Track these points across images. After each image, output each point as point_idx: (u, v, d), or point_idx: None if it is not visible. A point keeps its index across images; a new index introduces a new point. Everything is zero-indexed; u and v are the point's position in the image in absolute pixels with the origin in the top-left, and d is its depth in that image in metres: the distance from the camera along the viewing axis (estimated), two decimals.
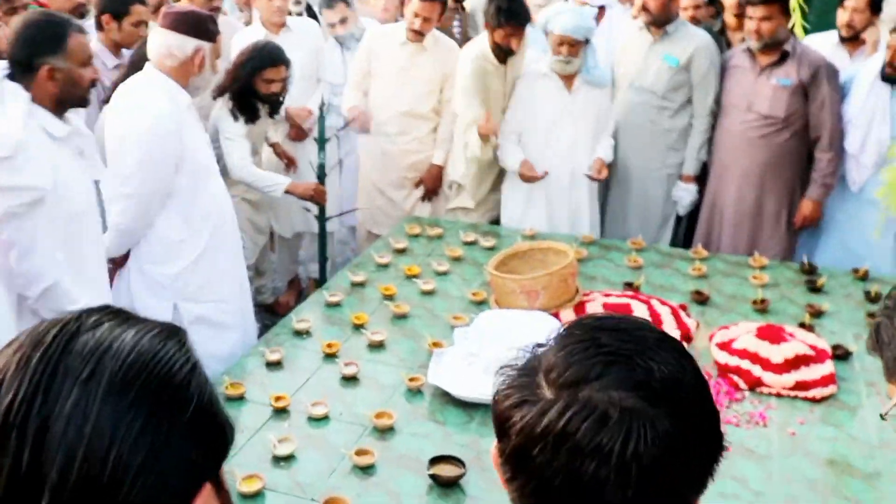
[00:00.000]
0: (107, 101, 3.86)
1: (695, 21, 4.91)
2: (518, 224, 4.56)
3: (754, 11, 4.23)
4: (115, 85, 3.87)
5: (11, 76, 2.62)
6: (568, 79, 4.45)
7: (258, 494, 2.30)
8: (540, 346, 1.11)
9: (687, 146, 4.68)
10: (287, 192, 4.27)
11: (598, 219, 4.79)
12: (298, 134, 4.94)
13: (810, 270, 3.86)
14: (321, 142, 4.44)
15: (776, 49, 4.28)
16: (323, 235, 4.68)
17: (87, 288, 2.78)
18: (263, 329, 3.74)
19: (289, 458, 2.46)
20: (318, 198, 4.38)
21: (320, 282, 4.71)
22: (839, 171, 4.35)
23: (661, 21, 4.56)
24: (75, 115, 2.84)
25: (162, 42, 3.13)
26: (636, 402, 0.95)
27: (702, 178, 4.74)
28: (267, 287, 5.20)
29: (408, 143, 4.86)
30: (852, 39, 4.66)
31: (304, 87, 4.95)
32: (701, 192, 4.73)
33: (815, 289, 3.66)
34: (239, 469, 2.38)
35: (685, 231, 4.95)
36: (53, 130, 2.65)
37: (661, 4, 4.50)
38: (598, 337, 1.03)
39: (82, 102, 2.78)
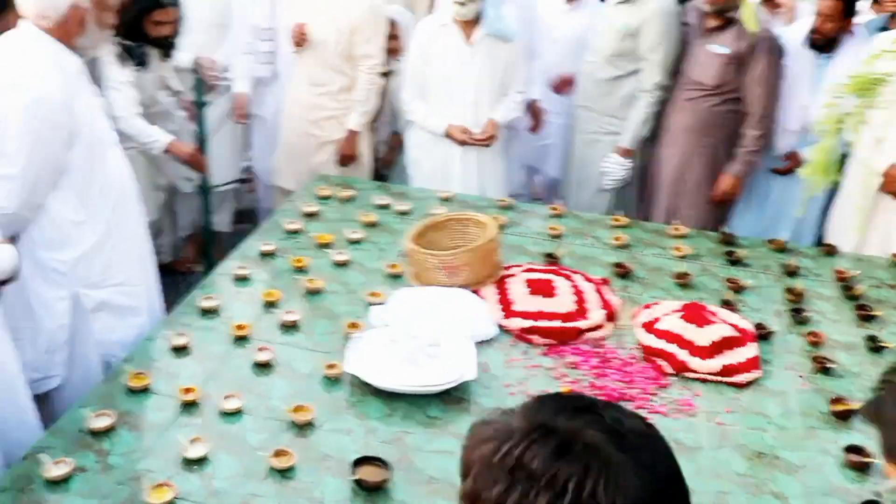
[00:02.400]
0: None
1: None
2: (426, 183, 4.46)
3: None
4: None
5: None
6: (467, 30, 4.34)
7: None
8: (507, 412, 1.03)
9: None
10: (166, 151, 4.06)
11: (503, 178, 4.70)
12: (212, 86, 4.68)
13: (729, 240, 3.88)
14: (199, 105, 4.21)
15: (722, 14, 4.20)
16: (206, 207, 4.48)
17: None
18: (164, 289, 3.55)
19: (201, 461, 2.32)
20: (195, 163, 4.18)
21: (206, 255, 4.53)
22: (767, 149, 4.35)
23: None
24: None
25: (31, 0, 2.81)
26: (602, 441, 0.92)
27: None
28: (166, 246, 4.97)
29: (315, 97, 4.67)
30: (768, 1, 4.65)
31: (213, 34, 4.69)
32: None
33: (734, 261, 3.69)
34: (147, 475, 2.25)
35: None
36: None
37: None
38: (568, 401, 1.00)
39: None
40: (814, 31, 4.07)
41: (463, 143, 4.41)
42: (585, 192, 4.80)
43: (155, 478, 2.24)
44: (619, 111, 4.60)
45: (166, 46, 4.23)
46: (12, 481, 2.25)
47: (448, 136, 4.42)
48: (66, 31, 2.84)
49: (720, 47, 4.20)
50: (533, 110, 5.03)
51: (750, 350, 3.00)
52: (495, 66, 4.40)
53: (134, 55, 4.09)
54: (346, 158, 4.75)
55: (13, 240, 2.88)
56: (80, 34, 2.87)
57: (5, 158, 2.81)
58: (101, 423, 2.41)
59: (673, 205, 4.48)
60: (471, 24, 4.32)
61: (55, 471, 2.24)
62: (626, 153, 4.61)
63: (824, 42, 4.20)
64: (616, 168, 4.62)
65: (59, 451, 2.33)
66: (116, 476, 2.27)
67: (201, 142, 4.23)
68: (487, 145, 4.47)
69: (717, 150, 4.40)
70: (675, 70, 4.49)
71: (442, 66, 4.40)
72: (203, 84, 4.22)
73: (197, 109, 4.21)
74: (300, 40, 4.57)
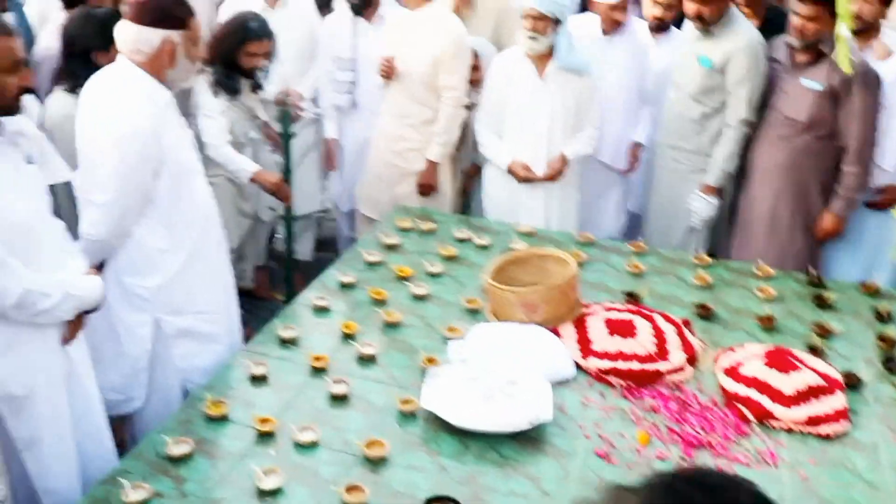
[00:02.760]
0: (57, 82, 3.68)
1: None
2: (502, 216, 4.46)
3: (801, 9, 3.99)
4: (58, 73, 3.67)
5: None
6: (540, 63, 4.33)
7: None
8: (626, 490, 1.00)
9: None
10: (252, 180, 4.13)
11: (574, 213, 4.66)
12: (294, 116, 4.76)
13: (818, 282, 3.77)
14: (285, 138, 4.27)
15: (812, 48, 4.08)
16: (289, 236, 4.53)
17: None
18: (244, 314, 3.60)
19: (275, 493, 2.34)
20: (280, 193, 4.24)
21: (288, 283, 4.58)
22: (865, 186, 4.20)
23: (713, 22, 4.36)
24: (17, 119, 2.60)
25: (128, 36, 2.90)
26: None
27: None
28: (246, 272, 5.05)
29: (403, 129, 4.72)
30: (863, 32, 4.48)
31: (298, 65, 4.78)
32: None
33: (822, 304, 3.57)
34: None
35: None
36: None
37: (716, 11, 4.29)
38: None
39: (10, 111, 2.52)
40: None
41: (525, 179, 4.40)
42: (673, 231, 4.71)
43: None
44: (707, 149, 4.51)
45: (258, 77, 4.33)
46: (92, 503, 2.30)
47: (510, 171, 4.42)
48: (158, 65, 2.92)
49: (812, 82, 4.07)
50: (633, 153, 4.96)
51: (837, 400, 2.89)
52: (567, 99, 4.37)
53: (226, 85, 4.19)
54: (426, 188, 4.77)
55: (100, 268, 2.96)
56: (172, 67, 2.95)
57: (97, 187, 2.91)
58: (179, 449, 2.45)
59: (765, 245, 4.35)
60: (544, 58, 4.31)
61: (133, 496, 2.28)
62: (712, 191, 4.51)
63: None
64: (703, 206, 4.51)
65: (138, 475, 2.38)
66: (192, 503, 2.30)
67: (286, 172, 4.29)
68: (554, 179, 4.44)
69: (810, 188, 4.25)
70: (763, 106, 4.39)
71: (515, 100, 4.40)
72: (288, 116, 4.29)
73: (283, 141, 4.28)
74: (388, 72, 4.62)
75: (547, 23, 4.17)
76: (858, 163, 4.10)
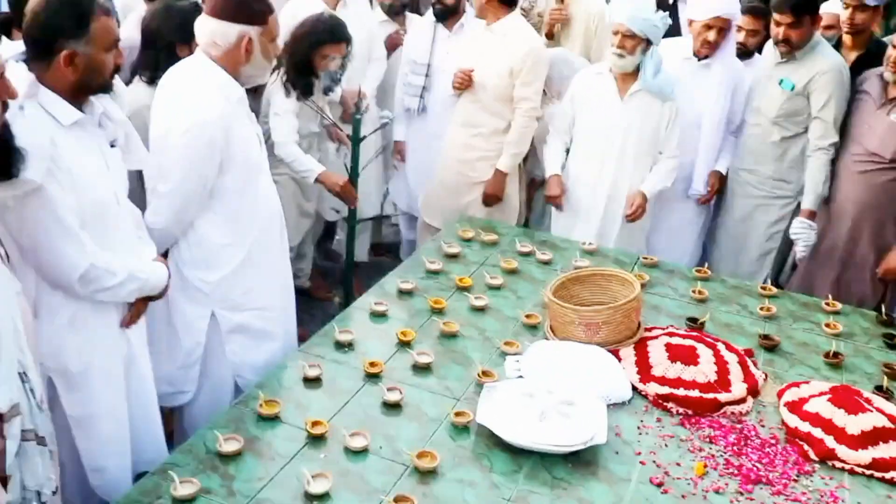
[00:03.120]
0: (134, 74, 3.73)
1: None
2: (566, 233, 4.41)
3: None
4: (137, 64, 3.71)
5: (27, 60, 2.44)
6: (623, 83, 4.27)
7: None
8: None
9: (805, 178, 4.37)
10: (318, 181, 4.13)
11: (643, 238, 4.60)
12: (348, 115, 4.76)
13: (889, 322, 3.65)
14: (355, 142, 4.27)
15: None
16: (351, 239, 4.53)
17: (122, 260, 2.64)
18: (300, 314, 3.60)
19: (322, 498, 2.31)
20: (344, 195, 4.22)
21: (346, 286, 4.58)
22: None
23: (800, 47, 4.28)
24: (105, 101, 2.63)
25: (205, 29, 2.91)
26: None
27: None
28: (304, 271, 5.06)
29: (471, 139, 4.69)
30: None
31: (356, 66, 4.79)
32: None
33: (893, 345, 3.46)
34: None
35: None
36: (62, 118, 2.43)
37: (804, 35, 4.21)
38: None
39: (104, 89, 2.56)
40: None
41: (551, 199, 4.51)
42: (742, 258, 4.61)
43: None
44: (786, 174, 4.42)
45: (333, 80, 4.34)
46: (140, 494, 2.30)
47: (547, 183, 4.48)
48: (234, 60, 2.92)
49: None
50: (714, 182, 4.73)
51: None
52: (645, 123, 4.31)
53: (299, 86, 4.20)
54: (491, 198, 4.74)
55: (164, 257, 2.98)
56: (247, 63, 2.95)
57: (162, 176, 2.93)
58: (229, 447, 2.44)
59: (834, 281, 4.23)
60: (628, 77, 4.26)
61: (182, 490, 2.27)
62: (811, 215, 4.37)
63: None
64: (806, 232, 4.36)
65: (187, 470, 2.37)
66: (239, 502, 2.28)
67: (353, 174, 4.29)
68: (634, 220, 4.37)
69: (887, 228, 4.13)
70: (841, 136, 4.28)
71: (592, 116, 4.36)
72: (359, 119, 4.29)
73: (353, 144, 4.28)
74: (464, 84, 4.61)
75: (637, 42, 4.12)
76: None
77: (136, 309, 2.73)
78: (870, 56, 4.40)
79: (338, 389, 2.81)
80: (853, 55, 4.49)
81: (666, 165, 4.38)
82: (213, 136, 2.87)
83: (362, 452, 2.51)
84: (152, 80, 3.47)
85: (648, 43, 4.16)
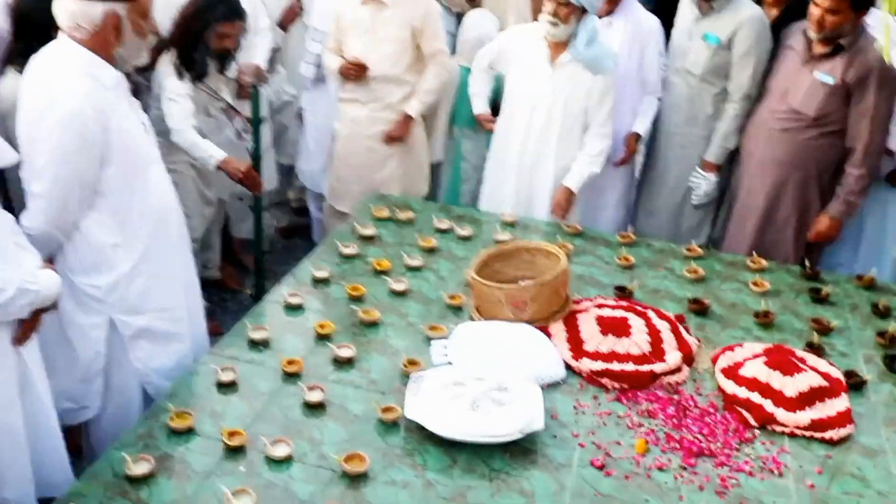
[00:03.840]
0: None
1: None
2: (491, 202, 4.30)
3: (822, 1, 3.78)
4: (9, 54, 3.44)
5: None
6: (555, 51, 4.08)
7: None
8: None
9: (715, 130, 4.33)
10: (219, 168, 3.89)
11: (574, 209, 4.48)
12: (246, 93, 4.50)
13: (813, 275, 3.62)
14: (255, 122, 4.04)
15: (831, 41, 3.87)
16: (259, 226, 4.32)
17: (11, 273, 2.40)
18: (210, 307, 3.39)
19: None
20: (247, 181, 3.99)
21: (258, 273, 4.39)
22: (869, 190, 4.02)
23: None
24: None
25: (65, 11, 2.62)
26: None
27: None
28: (213, 261, 4.82)
29: (378, 111, 4.50)
30: None
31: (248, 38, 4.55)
32: None
33: (819, 299, 3.43)
34: None
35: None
36: None
37: None
38: None
39: None
40: None
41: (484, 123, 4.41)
42: (683, 221, 4.57)
43: None
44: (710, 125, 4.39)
45: (226, 59, 4.10)
46: None
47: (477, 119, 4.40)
48: (103, 42, 2.66)
49: (826, 76, 3.87)
50: (631, 144, 4.63)
51: (841, 402, 2.76)
52: (574, 95, 4.09)
53: (193, 67, 3.95)
54: (395, 139, 4.53)
55: (51, 262, 2.74)
56: (118, 44, 2.70)
57: (35, 175, 2.66)
58: (139, 469, 2.25)
59: (759, 239, 4.18)
60: (561, 46, 4.06)
61: None
62: (712, 168, 4.36)
63: None
64: (703, 183, 4.35)
65: (93, 499, 2.18)
66: None
67: (255, 158, 4.07)
68: (561, 218, 4.21)
69: (810, 185, 4.06)
70: (761, 91, 4.22)
71: (521, 80, 4.19)
72: (258, 99, 4.07)
73: (253, 126, 4.06)
74: (356, 75, 4.44)
75: (571, 10, 3.91)
76: (863, 165, 3.91)
77: (28, 324, 2.49)
78: (791, 13, 4.33)
79: (255, 393, 2.63)
80: (774, 12, 4.42)
81: (593, 148, 4.17)
82: (87, 127, 2.61)
83: (286, 461, 2.34)
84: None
85: (584, 11, 3.97)
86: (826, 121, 3.90)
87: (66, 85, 2.61)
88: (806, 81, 3.92)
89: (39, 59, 2.72)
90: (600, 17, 4.33)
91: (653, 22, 4.54)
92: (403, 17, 4.34)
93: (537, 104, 4.13)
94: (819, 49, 3.90)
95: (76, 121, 2.60)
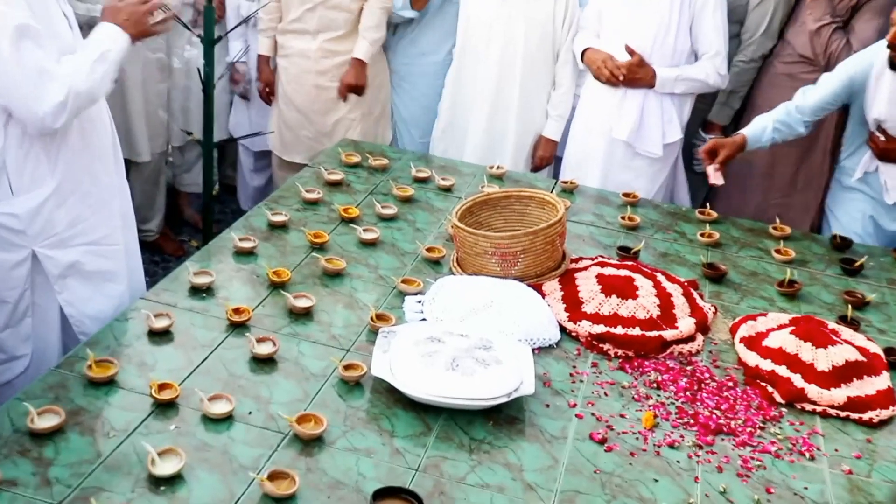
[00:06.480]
0: None
1: None
2: (443, 153, 4.19)
3: None
4: None
5: None
6: None
7: None
8: None
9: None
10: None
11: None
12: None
13: (844, 245, 3.43)
14: (208, 42, 3.81)
15: None
16: (209, 164, 4.08)
17: None
18: (153, 268, 3.17)
19: (172, 481, 1.91)
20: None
21: (204, 224, 4.17)
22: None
23: None
24: None
25: None
26: None
27: None
28: (154, 220, 4.59)
29: (326, 43, 4.27)
30: None
31: None
32: None
33: (851, 271, 3.24)
34: (99, 496, 1.84)
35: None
36: None
37: None
38: None
39: None
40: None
41: None
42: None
43: (109, 499, 1.84)
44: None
45: None
46: None
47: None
48: None
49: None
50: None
51: (882, 380, 2.58)
52: (533, 20, 3.99)
53: None
54: (352, 88, 4.35)
55: None
56: None
57: None
58: (44, 422, 2.00)
59: (762, 201, 4.04)
60: None
61: None
62: (714, 129, 4.24)
63: None
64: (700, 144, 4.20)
65: None
66: (57, 494, 1.85)
67: (207, 85, 3.87)
68: (538, 169, 4.14)
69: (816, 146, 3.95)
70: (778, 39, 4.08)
71: (475, 10, 4.08)
72: (212, 17, 3.84)
73: (206, 47, 3.84)
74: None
75: None
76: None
77: None
78: None
79: (193, 344, 2.40)
80: None
81: (562, 96, 4.11)
82: (9, 4, 2.35)
83: (225, 420, 2.11)
84: None
85: None
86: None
87: None
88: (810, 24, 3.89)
89: None
90: None
91: None
92: None
93: (492, 34, 3.99)
94: None
95: None
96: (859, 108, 3.53)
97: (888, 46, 3.32)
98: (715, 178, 3.59)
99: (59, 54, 2.51)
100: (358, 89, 4.36)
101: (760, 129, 3.59)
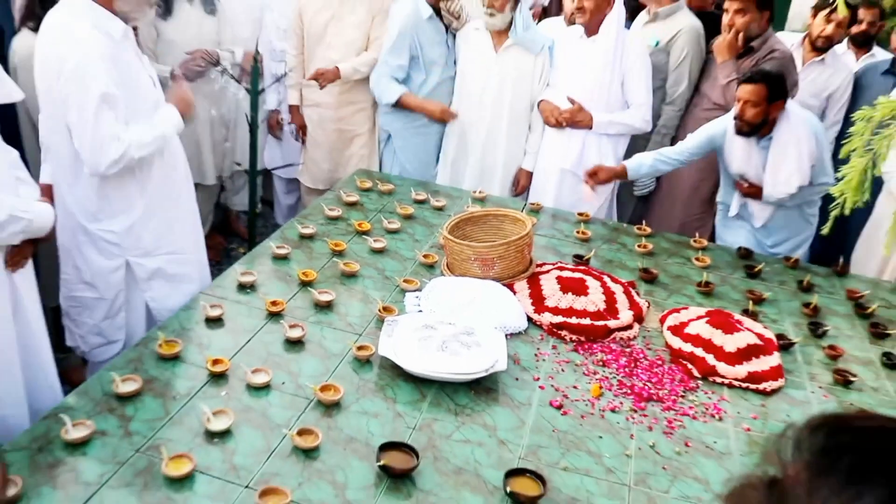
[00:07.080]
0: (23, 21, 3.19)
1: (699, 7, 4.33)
2: (449, 182, 4.12)
3: (730, 5, 3.68)
4: (24, 12, 3.19)
5: None
6: (497, 38, 3.92)
7: (187, 478, 1.78)
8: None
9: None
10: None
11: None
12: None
13: (747, 255, 3.46)
14: (254, 94, 3.81)
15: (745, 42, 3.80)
16: (253, 187, 4.08)
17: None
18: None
19: (223, 435, 1.93)
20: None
21: (250, 233, 4.16)
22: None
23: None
24: None
25: None
26: None
27: None
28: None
29: (342, 95, 4.27)
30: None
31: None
32: None
33: (752, 275, 3.27)
34: (167, 445, 1.86)
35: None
36: None
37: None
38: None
39: None
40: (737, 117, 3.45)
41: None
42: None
43: (175, 448, 1.86)
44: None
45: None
46: (30, 441, 1.87)
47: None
48: None
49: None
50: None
51: (774, 359, 2.60)
52: (520, 75, 3.94)
53: None
54: (323, 77, 4.13)
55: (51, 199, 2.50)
56: None
57: (77, 128, 2.42)
58: (126, 387, 2.03)
59: (685, 219, 4.06)
60: (502, 34, 3.90)
61: (74, 433, 1.86)
62: None
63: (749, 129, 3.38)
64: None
65: (82, 413, 1.96)
66: (136, 443, 1.88)
67: (252, 126, 3.86)
68: (519, 193, 4.12)
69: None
70: (695, 90, 4.11)
71: (472, 68, 4.01)
72: (257, 71, 3.82)
73: (252, 96, 3.83)
74: (329, 79, 4.15)
75: (504, 0, 3.76)
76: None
77: (22, 251, 2.26)
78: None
79: (239, 328, 2.41)
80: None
81: (535, 132, 4.07)
82: (98, 69, 2.36)
83: (264, 388, 2.13)
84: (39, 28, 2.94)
85: (517, 0, 3.82)
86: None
87: (78, 37, 2.37)
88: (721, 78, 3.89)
89: (51, 17, 2.47)
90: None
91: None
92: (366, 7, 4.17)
93: (487, 86, 3.97)
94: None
95: (90, 69, 2.35)
96: (724, 162, 3.57)
97: (735, 118, 3.35)
98: (589, 196, 3.63)
99: (137, 112, 2.52)
100: (327, 79, 4.13)
101: (638, 164, 3.59)
